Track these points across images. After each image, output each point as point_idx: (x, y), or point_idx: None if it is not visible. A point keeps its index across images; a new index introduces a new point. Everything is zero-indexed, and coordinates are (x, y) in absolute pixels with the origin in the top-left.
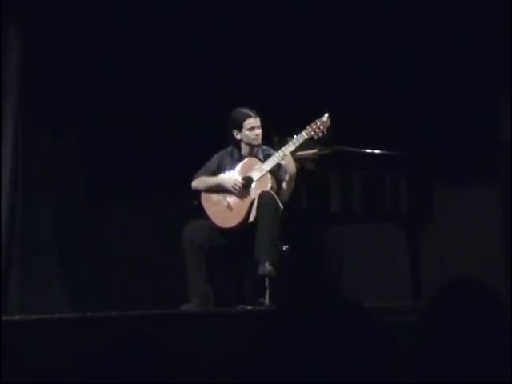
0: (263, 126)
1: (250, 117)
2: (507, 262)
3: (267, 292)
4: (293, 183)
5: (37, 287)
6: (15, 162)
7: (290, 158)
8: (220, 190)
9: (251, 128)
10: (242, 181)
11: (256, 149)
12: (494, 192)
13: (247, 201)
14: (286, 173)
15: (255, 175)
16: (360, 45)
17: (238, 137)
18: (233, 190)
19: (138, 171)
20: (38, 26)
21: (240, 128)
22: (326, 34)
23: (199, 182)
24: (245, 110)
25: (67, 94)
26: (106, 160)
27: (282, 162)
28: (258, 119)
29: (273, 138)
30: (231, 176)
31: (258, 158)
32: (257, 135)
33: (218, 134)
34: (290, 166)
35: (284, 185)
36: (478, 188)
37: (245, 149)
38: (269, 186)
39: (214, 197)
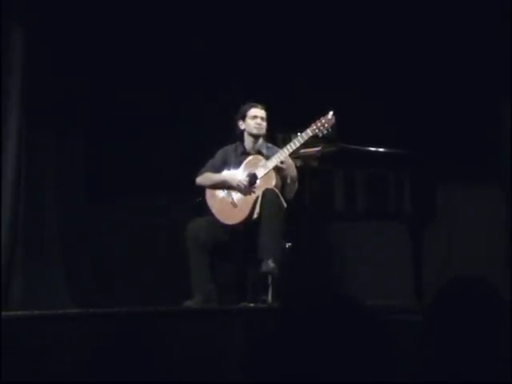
0: (268, 124)
1: (255, 107)
2: (509, 261)
3: (270, 289)
4: (296, 184)
5: (39, 284)
6: (18, 161)
7: (290, 162)
8: (225, 187)
9: (254, 116)
10: (247, 178)
11: (260, 142)
12: (496, 191)
13: (252, 198)
14: (287, 176)
15: (260, 172)
16: (364, 44)
17: (242, 127)
18: (238, 188)
19: (141, 169)
20: (42, 25)
21: (244, 118)
22: (331, 33)
23: (204, 178)
24: (253, 103)
25: (70, 94)
26: (109, 159)
27: (283, 167)
28: (263, 111)
29: (277, 135)
30: (236, 173)
31: (261, 151)
32: (258, 124)
33: (220, 132)
34: (291, 170)
35: (287, 185)
36: (481, 187)
37: (248, 140)
38: (273, 183)
39: (219, 193)
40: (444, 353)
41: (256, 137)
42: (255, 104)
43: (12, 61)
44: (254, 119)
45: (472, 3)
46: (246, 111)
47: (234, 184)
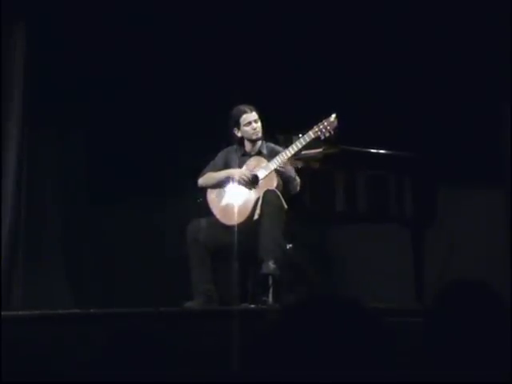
0: (265, 121)
1: (245, 112)
2: (509, 262)
3: (271, 291)
4: (297, 179)
5: (40, 284)
6: (20, 163)
7: (289, 166)
8: (228, 183)
9: (248, 123)
10: (250, 174)
11: (259, 143)
12: (497, 193)
13: (253, 199)
14: (285, 178)
15: (261, 173)
16: (365, 45)
17: (239, 134)
18: (241, 181)
19: (142, 170)
20: (43, 25)
21: (238, 125)
22: (333, 34)
23: (207, 178)
24: (241, 107)
25: (72, 94)
26: (111, 159)
27: (282, 170)
28: (253, 113)
29: (278, 137)
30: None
31: (261, 151)
32: (254, 129)
33: (220, 133)
34: (289, 173)
35: (288, 184)
36: (482, 189)
37: (248, 145)
38: (275, 184)
39: (220, 194)
40: (444, 355)
41: (255, 141)
42: (244, 109)
43: (14, 60)
44: (249, 125)
45: (472, 3)
46: (238, 118)
47: (237, 177)
